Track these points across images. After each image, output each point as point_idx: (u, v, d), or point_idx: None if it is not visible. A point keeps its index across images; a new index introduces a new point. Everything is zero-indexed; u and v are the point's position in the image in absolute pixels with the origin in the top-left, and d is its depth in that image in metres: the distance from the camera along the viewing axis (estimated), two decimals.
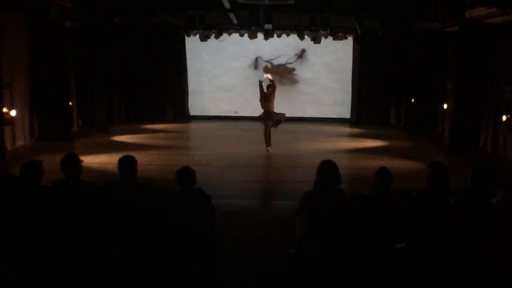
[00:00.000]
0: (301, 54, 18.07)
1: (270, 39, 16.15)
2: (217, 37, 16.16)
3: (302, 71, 18.31)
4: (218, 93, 18.51)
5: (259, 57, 18.16)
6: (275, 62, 18.20)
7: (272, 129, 11.32)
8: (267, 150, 11.22)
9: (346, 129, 16.63)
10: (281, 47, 17.72)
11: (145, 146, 12.47)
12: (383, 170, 4.37)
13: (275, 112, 11.28)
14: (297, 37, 16.05)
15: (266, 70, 17.83)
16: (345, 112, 18.25)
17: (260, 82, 11.52)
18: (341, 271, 3.84)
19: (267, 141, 11.20)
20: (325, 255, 3.95)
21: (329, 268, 3.86)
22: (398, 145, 13.26)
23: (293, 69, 18.27)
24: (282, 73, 18.23)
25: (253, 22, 13.01)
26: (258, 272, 4.87)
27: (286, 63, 18.22)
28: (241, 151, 11.88)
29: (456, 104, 12.20)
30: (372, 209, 4.23)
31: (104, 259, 4.02)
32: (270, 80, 11.46)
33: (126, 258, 4.03)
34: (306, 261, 4.07)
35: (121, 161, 4.53)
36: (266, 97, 11.22)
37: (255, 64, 18.21)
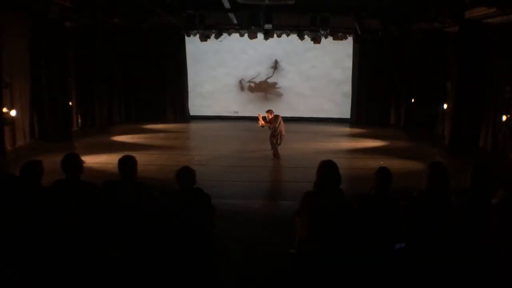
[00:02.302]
0: (276, 65, 18.30)
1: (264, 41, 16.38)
2: (217, 37, 16.18)
3: (302, 72, 18.37)
4: (218, 93, 18.52)
5: (242, 79, 18.48)
6: (257, 80, 18.43)
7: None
8: (274, 156, 11.03)
9: (346, 129, 16.64)
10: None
11: (145, 146, 12.48)
12: (383, 170, 4.37)
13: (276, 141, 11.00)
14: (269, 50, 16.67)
15: (251, 89, 18.55)
16: (345, 112, 18.26)
17: (262, 126, 11.24)
18: (341, 271, 3.84)
19: (273, 149, 11.10)
20: (325, 255, 3.95)
21: (329, 268, 3.86)
22: (398, 145, 13.27)
23: (275, 84, 18.60)
24: (266, 89, 18.48)
25: (253, 22, 13.02)
26: (258, 272, 4.87)
27: (266, 79, 18.47)
28: (241, 151, 11.88)
29: (456, 104, 12.20)
30: (372, 209, 4.23)
31: (105, 259, 4.02)
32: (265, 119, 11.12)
33: (126, 258, 4.03)
34: (306, 261, 4.06)
35: (121, 161, 4.53)
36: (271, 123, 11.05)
37: (241, 86, 18.58)
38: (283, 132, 11.01)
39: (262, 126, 11.21)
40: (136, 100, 17.55)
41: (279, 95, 18.56)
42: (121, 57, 16.50)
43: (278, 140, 10.96)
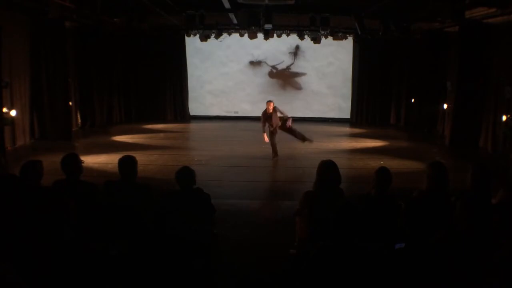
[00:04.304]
0: (296, 51, 18.13)
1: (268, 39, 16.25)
2: (217, 37, 16.17)
3: (302, 71, 18.36)
4: (218, 93, 18.52)
5: (265, 62, 18.28)
6: (279, 67, 18.30)
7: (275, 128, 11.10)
8: (274, 157, 10.96)
9: (346, 129, 16.63)
10: (279, 45, 17.82)
11: (145, 146, 12.47)
12: (383, 170, 4.36)
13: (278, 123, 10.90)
14: (290, 36, 16.27)
15: (271, 75, 18.27)
16: (345, 112, 18.26)
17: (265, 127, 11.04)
18: (341, 271, 3.84)
19: (273, 148, 11.04)
20: (325, 255, 3.94)
21: (329, 268, 3.86)
22: (398, 145, 13.27)
23: (296, 74, 18.36)
24: (287, 79, 18.30)
25: (253, 22, 13.01)
26: (258, 272, 4.87)
27: (287, 68, 18.28)
28: (241, 151, 11.88)
29: (456, 104, 12.21)
30: (372, 209, 4.22)
31: (104, 259, 4.02)
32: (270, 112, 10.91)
33: (126, 259, 4.03)
34: (306, 261, 4.06)
35: (121, 161, 4.53)
36: (270, 118, 10.84)
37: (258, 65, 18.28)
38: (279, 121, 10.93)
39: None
40: (136, 100, 17.54)
41: (299, 88, 18.38)
42: (121, 57, 16.49)
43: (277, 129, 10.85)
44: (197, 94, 18.49)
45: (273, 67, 18.33)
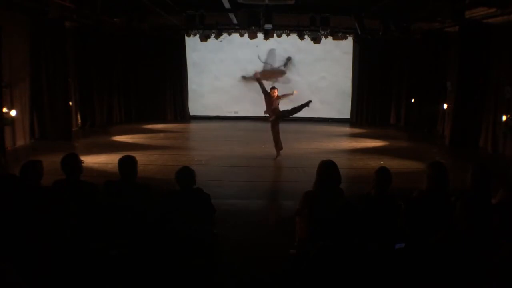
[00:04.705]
0: (287, 63, 18.11)
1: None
2: (217, 37, 16.17)
3: (302, 70, 18.36)
4: (218, 93, 18.50)
5: (244, 75, 18.15)
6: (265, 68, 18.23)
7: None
8: (276, 158, 10.84)
9: (346, 129, 16.64)
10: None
11: (145, 146, 12.47)
12: (383, 170, 4.36)
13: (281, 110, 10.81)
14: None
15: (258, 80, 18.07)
16: (345, 112, 18.26)
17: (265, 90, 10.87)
18: (341, 271, 3.84)
19: (278, 145, 10.87)
20: (325, 255, 3.95)
21: (329, 268, 3.86)
22: (398, 145, 13.26)
23: (284, 72, 18.24)
24: (272, 77, 18.03)
25: (253, 22, 13.02)
26: (257, 273, 4.87)
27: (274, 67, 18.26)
28: (241, 151, 11.88)
29: (456, 104, 12.22)
30: (372, 209, 4.22)
31: (104, 259, 4.02)
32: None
33: (126, 259, 4.03)
34: (306, 261, 4.07)
35: (121, 161, 4.53)
36: (273, 100, 10.64)
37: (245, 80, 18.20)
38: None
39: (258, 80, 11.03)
40: (136, 100, 17.54)
41: (287, 81, 18.00)
42: (121, 57, 16.50)
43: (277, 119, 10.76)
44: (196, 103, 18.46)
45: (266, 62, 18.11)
